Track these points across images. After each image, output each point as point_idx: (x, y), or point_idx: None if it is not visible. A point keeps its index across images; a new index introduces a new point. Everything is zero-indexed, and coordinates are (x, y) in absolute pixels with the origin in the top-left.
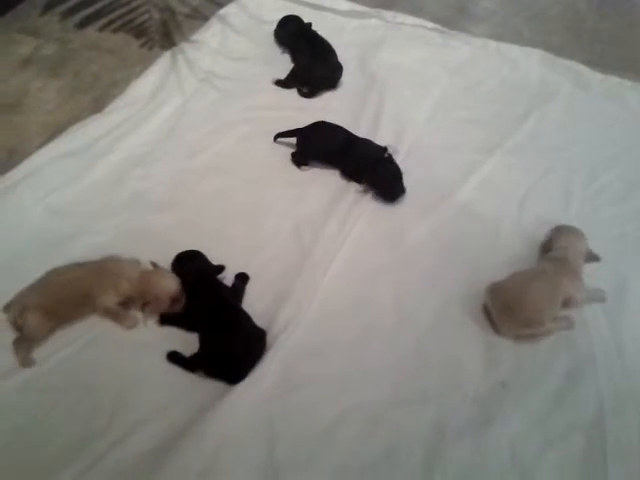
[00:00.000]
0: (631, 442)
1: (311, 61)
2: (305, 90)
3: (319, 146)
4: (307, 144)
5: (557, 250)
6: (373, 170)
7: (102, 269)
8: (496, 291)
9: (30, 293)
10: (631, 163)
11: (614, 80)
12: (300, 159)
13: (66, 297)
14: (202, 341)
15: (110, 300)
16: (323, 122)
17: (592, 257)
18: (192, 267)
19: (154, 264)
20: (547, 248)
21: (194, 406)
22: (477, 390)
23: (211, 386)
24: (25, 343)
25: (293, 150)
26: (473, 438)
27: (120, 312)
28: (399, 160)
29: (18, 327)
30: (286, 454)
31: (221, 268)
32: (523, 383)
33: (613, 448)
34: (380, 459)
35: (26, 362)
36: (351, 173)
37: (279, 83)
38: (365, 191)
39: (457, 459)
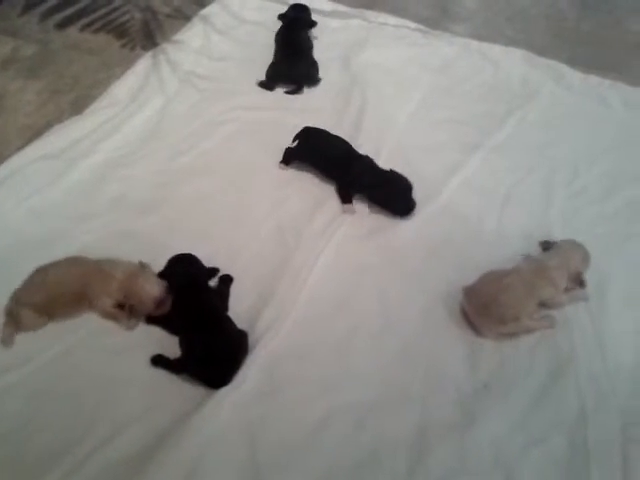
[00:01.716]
0: (613, 441)
1: (283, 58)
2: (288, 89)
3: (316, 149)
4: (305, 143)
5: (547, 254)
6: (381, 184)
7: (97, 269)
8: (470, 293)
9: (25, 290)
10: (612, 162)
11: (595, 79)
12: (288, 155)
13: (60, 295)
14: (184, 345)
15: (107, 303)
16: (322, 130)
17: (579, 282)
18: (181, 271)
19: (142, 264)
20: (546, 247)
21: (177, 409)
22: (460, 391)
23: (194, 389)
24: (14, 327)
25: (278, 151)
26: (456, 439)
27: (118, 313)
28: (382, 160)
29: (10, 315)
30: (269, 457)
31: (214, 271)
32: (505, 383)
33: (595, 447)
34: (364, 461)
35: (7, 341)
36: (348, 188)
37: (262, 85)
38: (345, 210)
39: (440, 460)
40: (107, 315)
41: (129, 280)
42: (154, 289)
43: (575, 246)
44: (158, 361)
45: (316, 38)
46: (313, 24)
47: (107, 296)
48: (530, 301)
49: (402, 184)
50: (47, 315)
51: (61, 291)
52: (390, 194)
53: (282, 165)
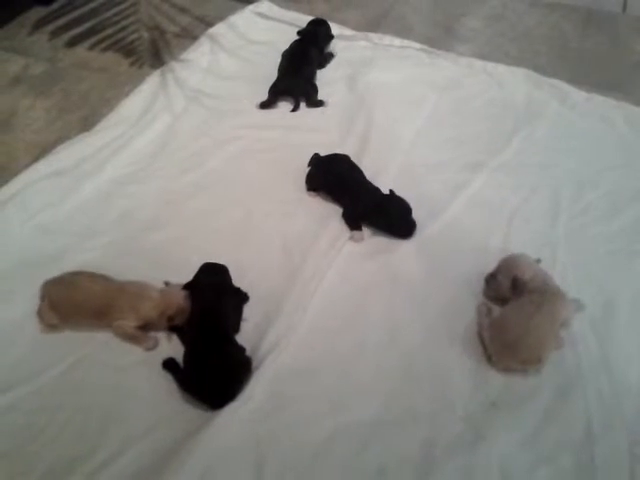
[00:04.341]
0: (620, 461)
1: (280, 72)
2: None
3: (323, 175)
4: (315, 172)
5: (532, 283)
6: (380, 210)
7: (123, 290)
8: (496, 330)
9: (51, 285)
10: (617, 181)
11: (599, 99)
12: (310, 183)
13: (79, 305)
14: (186, 361)
15: (128, 325)
16: (343, 156)
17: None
18: (205, 281)
19: (167, 283)
20: (521, 289)
21: (182, 426)
22: (467, 409)
23: (199, 406)
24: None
25: (284, 169)
26: (463, 457)
27: (139, 335)
28: (388, 178)
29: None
30: (275, 475)
31: (241, 293)
32: (512, 402)
33: (602, 466)
34: (370, 478)
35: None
36: (354, 215)
37: (262, 105)
38: (354, 237)
39: (447, 478)
40: (127, 337)
41: (164, 294)
42: (185, 297)
43: (522, 258)
44: (170, 366)
45: (334, 56)
46: (328, 39)
47: (134, 318)
48: (554, 336)
49: (400, 208)
50: (60, 318)
51: (83, 300)
52: (389, 218)
53: (311, 193)
